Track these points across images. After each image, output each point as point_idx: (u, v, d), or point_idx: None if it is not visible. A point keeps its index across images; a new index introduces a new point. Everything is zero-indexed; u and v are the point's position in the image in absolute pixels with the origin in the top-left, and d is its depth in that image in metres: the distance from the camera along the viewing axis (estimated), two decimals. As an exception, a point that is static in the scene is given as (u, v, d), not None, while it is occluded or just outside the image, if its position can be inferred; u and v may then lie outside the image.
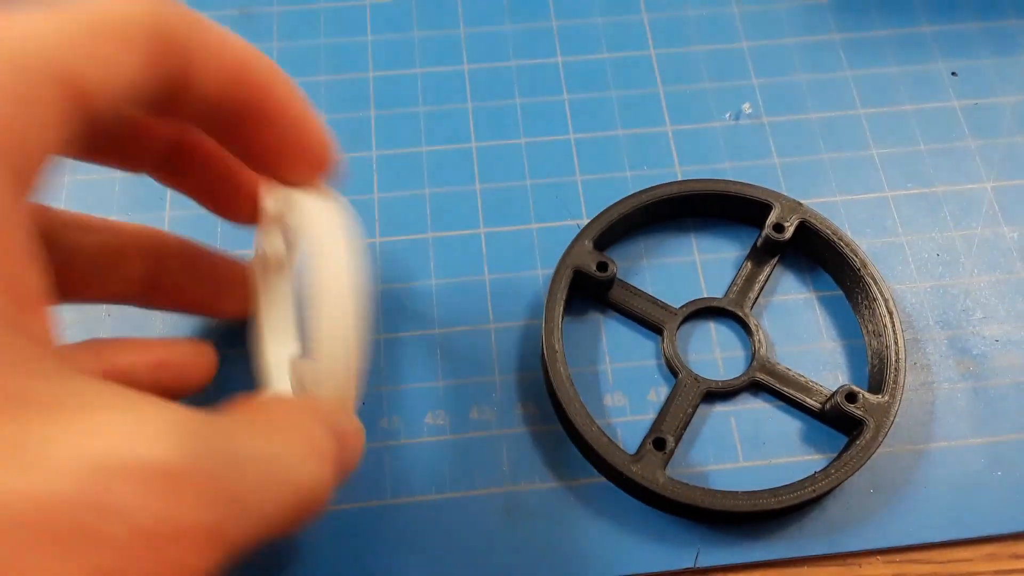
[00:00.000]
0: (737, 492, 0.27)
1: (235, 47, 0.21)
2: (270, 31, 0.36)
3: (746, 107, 0.35)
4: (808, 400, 0.29)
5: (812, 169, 0.34)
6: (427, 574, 0.27)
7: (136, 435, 0.14)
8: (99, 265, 0.25)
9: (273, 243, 0.26)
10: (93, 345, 0.24)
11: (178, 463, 0.15)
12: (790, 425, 0.29)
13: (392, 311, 0.31)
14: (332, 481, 0.19)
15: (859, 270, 0.30)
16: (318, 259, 0.21)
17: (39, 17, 0.17)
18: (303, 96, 0.22)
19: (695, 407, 0.29)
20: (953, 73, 0.36)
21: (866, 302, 0.30)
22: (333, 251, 0.21)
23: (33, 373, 0.15)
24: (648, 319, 0.30)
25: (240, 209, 0.26)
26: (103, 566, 0.13)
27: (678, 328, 0.30)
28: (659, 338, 0.30)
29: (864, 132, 0.35)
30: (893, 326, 0.29)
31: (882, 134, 0.34)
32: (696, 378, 0.29)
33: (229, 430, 0.17)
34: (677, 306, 0.31)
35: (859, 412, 0.27)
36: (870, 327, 0.30)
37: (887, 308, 0.29)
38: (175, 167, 0.25)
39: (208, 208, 0.27)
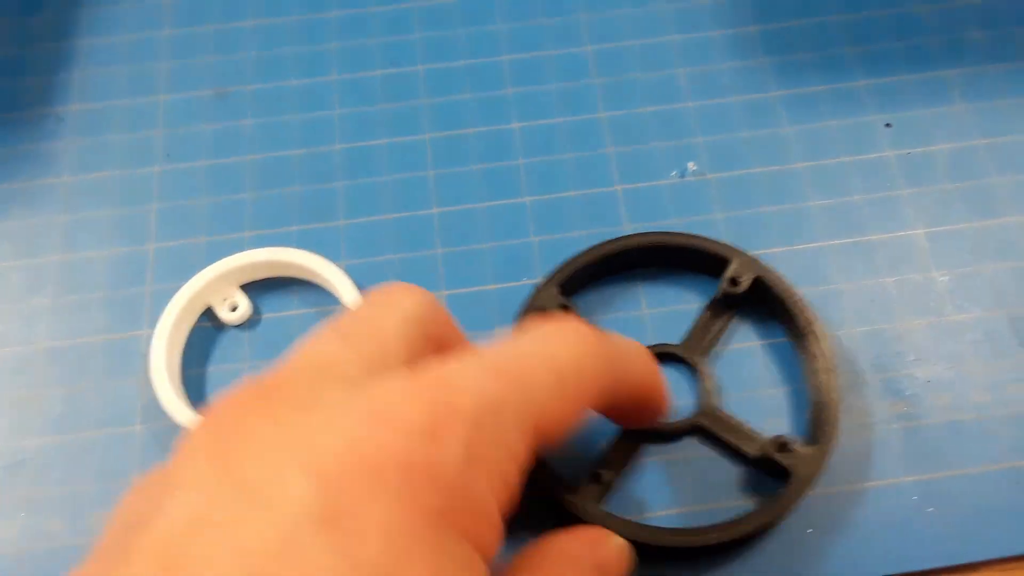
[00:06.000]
0: (664, 528, 0.28)
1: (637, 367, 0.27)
2: (245, 110, 0.39)
3: (691, 165, 0.37)
4: (744, 447, 0.31)
5: (755, 222, 0.36)
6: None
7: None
8: None
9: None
10: None
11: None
12: (729, 471, 0.31)
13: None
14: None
15: (804, 327, 0.32)
16: None
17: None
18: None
19: (636, 447, 0.31)
20: (887, 124, 0.38)
21: (808, 357, 0.32)
22: None
23: None
24: (598, 370, 0.32)
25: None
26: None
27: (627, 378, 0.32)
28: (608, 388, 0.32)
29: (804, 185, 0.36)
30: (830, 382, 0.30)
31: (820, 186, 0.36)
32: (640, 421, 0.31)
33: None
34: (629, 354, 0.33)
35: (786, 462, 0.29)
36: (811, 380, 0.32)
37: (827, 365, 0.31)
38: None
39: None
